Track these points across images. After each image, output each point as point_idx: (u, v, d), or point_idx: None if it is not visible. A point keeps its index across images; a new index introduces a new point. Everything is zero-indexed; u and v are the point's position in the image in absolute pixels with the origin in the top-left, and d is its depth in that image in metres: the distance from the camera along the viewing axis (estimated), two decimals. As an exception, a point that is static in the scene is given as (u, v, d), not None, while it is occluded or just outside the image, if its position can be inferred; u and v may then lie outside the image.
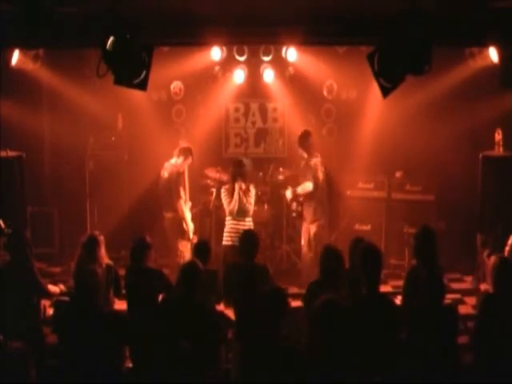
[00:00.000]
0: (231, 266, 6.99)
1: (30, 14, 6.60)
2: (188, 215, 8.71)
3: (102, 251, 6.71)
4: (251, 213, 8.52)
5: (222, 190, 8.57)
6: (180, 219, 8.61)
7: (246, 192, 8.44)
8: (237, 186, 8.35)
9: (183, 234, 8.64)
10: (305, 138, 8.99)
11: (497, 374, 5.24)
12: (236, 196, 8.35)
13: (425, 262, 5.97)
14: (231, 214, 8.42)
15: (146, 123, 10.35)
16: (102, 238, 6.76)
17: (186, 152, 8.73)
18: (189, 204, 8.82)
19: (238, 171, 8.46)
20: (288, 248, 9.93)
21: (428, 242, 6.10)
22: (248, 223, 8.48)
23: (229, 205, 8.40)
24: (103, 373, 5.27)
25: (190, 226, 8.68)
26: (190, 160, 8.75)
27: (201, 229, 9.68)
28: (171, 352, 5.32)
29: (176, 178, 8.61)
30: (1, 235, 7.00)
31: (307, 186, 8.82)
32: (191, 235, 8.66)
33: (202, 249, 6.62)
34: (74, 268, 6.59)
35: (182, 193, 8.62)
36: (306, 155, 8.94)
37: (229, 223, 8.48)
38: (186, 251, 8.52)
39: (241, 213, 8.41)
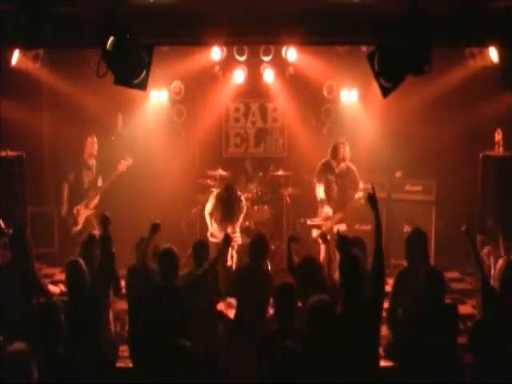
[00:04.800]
0: (238, 267, 6.94)
1: (30, 14, 6.60)
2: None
3: (102, 251, 6.69)
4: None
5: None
6: None
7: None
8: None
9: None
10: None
11: (498, 375, 5.23)
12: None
13: (417, 263, 5.96)
14: None
15: (146, 123, 10.35)
16: (101, 238, 6.74)
17: None
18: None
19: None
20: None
21: (420, 243, 6.10)
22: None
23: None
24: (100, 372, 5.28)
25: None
26: None
27: (201, 229, 9.67)
28: (171, 352, 5.31)
29: None
30: (1, 235, 7.00)
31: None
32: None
33: (199, 248, 6.57)
34: None
35: None
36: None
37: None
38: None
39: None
